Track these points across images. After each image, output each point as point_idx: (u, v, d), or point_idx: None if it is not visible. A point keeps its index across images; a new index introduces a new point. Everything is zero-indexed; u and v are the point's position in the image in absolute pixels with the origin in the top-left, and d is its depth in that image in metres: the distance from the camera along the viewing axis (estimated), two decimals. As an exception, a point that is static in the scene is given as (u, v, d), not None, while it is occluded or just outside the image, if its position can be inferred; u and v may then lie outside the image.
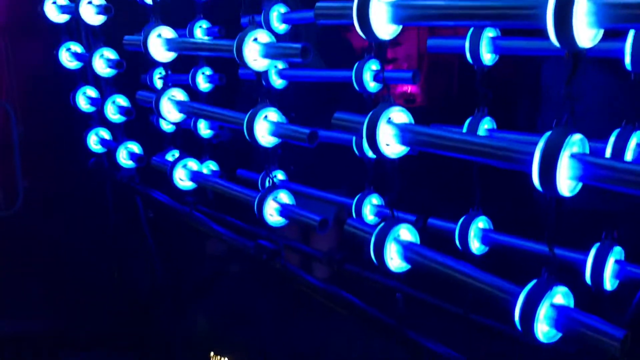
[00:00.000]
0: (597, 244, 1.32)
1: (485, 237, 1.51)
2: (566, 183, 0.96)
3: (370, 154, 1.67)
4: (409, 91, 6.35)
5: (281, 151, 2.67)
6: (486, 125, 1.49)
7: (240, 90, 2.98)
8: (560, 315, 1.03)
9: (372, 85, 1.67)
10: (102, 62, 2.19)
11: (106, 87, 2.28)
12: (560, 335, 1.05)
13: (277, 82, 1.97)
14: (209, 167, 2.29)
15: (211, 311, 2.57)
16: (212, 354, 2.38)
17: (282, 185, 1.80)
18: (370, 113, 1.22)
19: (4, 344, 2.69)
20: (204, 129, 2.34)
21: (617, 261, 1.32)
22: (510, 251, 1.50)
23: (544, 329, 1.04)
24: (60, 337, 2.76)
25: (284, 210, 1.68)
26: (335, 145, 1.84)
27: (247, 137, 1.57)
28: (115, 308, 2.85)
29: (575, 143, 0.97)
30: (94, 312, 2.83)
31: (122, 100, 2.28)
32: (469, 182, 1.52)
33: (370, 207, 1.77)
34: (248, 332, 2.39)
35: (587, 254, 1.32)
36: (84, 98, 2.42)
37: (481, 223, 1.52)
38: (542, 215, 2.59)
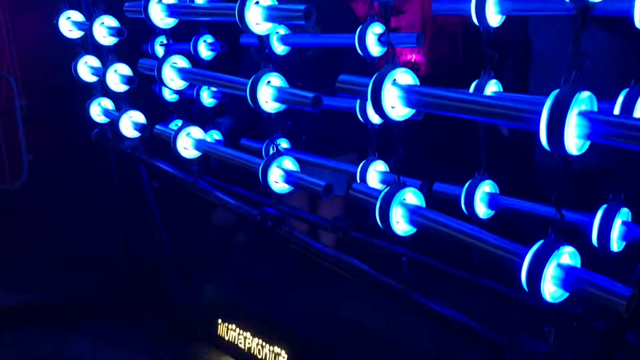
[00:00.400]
0: (604, 206, 1.31)
1: (491, 201, 1.50)
2: (574, 141, 0.95)
3: (374, 119, 1.66)
4: (413, 60, 6.29)
5: (291, 122, 2.67)
6: (493, 87, 1.47)
7: (241, 60, 2.95)
8: (567, 275, 1.02)
9: (375, 50, 1.64)
10: (103, 30, 2.17)
11: (107, 56, 2.25)
12: (567, 294, 1.05)
13: (279, 49, 1.94)
14: (213, 136, 2.29)
15: (218, 279, 2.58)
16: (219, 321, 2.40)
17: (286, 153, 1.78)
18: (375, 75, 1.21)
19: (10, 315, 2.72)
20: (207, 98, 2.32)
21: (624, 222, 1.32)
22: (516, 217, 1.50)
23: (550, 289, 1.04)
24: (67, 308, 2.79)
25: (288, 177, 1.67)
26: (345, 116, 1.82)
27: (250, 103, 1.55)
28: (122, 278, 2.87)
29: (584, 101, 0.96)
30: (101, 282, 2.85)
31: (123, 69, 2.25)
32: (472, 151, 1.50)
33: (374, 174, 1.76)
34: (255, 299, 2.41)
35: (594, 216, 1.31)
36: (85, 67, 2.40)
37: (487, 187, 1.50)
38: (543, 182, 2.57)
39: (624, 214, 1.32)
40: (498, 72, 1.46)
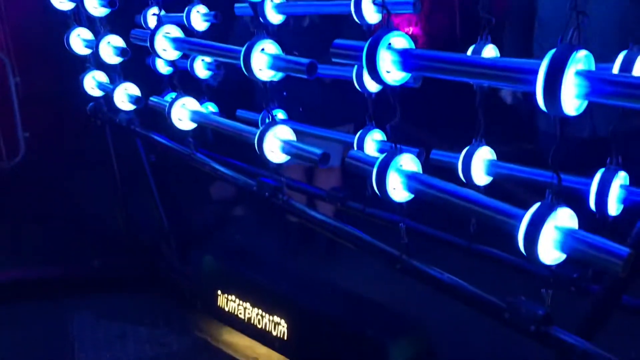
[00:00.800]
0: (602, 169, 1.30)
1: (489, 168, 1.48)
2: (572, 102, 0.94)
3: (371, 86, 1.64)
4: (410, 33, 6.24)
5: (287, 93, 2.65)
6: (490, 52, 1.45)
7: (234, 30, 2.92)
8: (564, 236, 1.02)
9: (371, 17, 1.61)
10: (94, 1, 2.13)
11: (100, 28, 2.22)
12: (564, 256, 1.04)
13: (275, 19, 1.91)
14: (208, 108, 2.26)
15: (217, 251, 2.59)
16: (219, 292, 2.41)
17: (282, 122, 1.77)
18: (370, 39, 1.19)
19: (8, 291, 2.73)
20: (201, 69, 2.29)
21: (622, 186, 1.31)
22: (514, 184, 1.49)
23: (547, 251, 1.03)
24: (66, 281, 2.80)
25: (284, 146, 1.65)
26: (343, 87, 1.79)
27: (244, 71, 1.53)
28: (122, 251, 2.88)
29: (581, 60, 0.94)
30: (100, 256, 2.85)
31: (116, 40, 2.22)
32: (469, 120, 1.49)
33: (372, 143, 1.74)
34: (254, 270, 2.42)
35: (592, 179, 1.30)
36: (78, 40, 2.37)
37: (484, 153, 1.49)
38: (542, 149, 2.54)
39: (621, 178, 1.31)
40: (500, 41, 1.44)
